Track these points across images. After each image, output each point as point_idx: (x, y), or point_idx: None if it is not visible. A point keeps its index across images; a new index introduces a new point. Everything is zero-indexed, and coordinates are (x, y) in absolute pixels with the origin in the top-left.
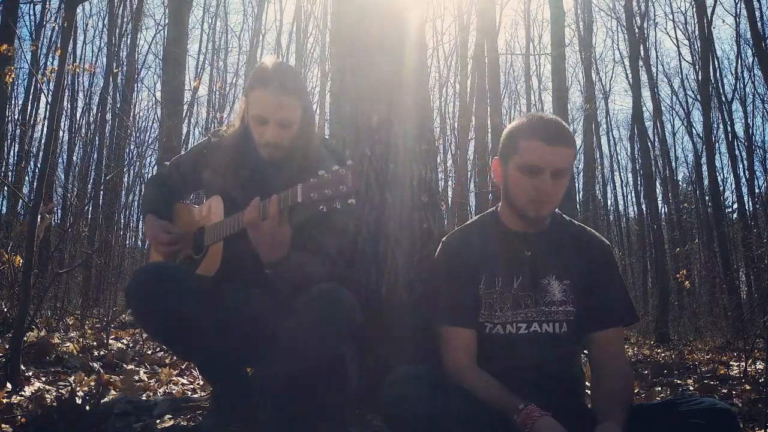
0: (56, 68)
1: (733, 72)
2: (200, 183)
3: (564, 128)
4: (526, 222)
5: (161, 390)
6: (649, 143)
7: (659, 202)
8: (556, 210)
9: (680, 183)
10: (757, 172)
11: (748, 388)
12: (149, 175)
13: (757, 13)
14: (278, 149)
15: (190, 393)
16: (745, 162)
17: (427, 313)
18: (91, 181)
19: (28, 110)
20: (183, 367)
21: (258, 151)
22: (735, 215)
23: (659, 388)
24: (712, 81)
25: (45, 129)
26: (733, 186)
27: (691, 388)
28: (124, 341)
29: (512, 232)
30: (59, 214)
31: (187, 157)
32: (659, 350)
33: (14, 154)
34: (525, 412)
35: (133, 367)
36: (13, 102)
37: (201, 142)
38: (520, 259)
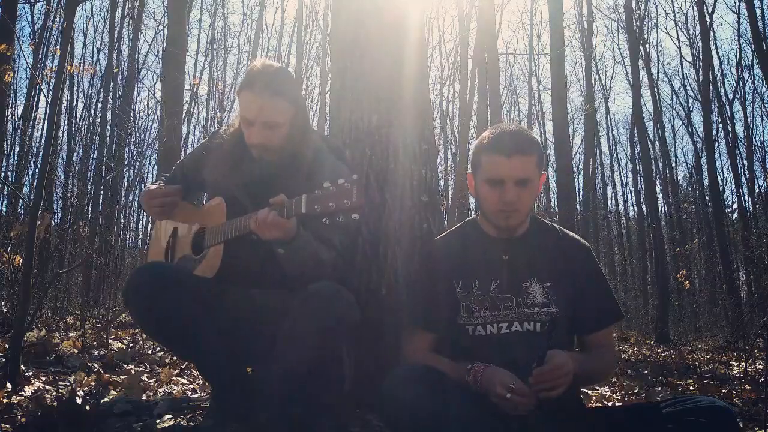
0: (56, 68)
1: (734, 72)
2: (204, 184)
3: (521, 138)
4: (500, 230)
5: (161, 390)
6: (649, 143)
7: (659, 202)
8: (538, 216)
9: (680, 183)
10: (757, 172)
11: (748, 388)
12: (149, 175)
13: (758, 12)
14: (267, 150)
15: (190, 393)
16: (745, 162)
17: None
18: (91, 181)
19: (29, 110)
20: (183, 367)
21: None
22: (735, 215)
23: (659, 388)
24: (713, 81)
25: (45, 129)
26: (733, 186)
27: (691, 388)
28: (124, 341)
29: (490, 237)
30: (59, 214)
31: (190, 158)
32: (659, 350)
33: (14, 154)
34: (473, 369)
35: (133, 367)
36: (13, 102)
37: (203, 142)
38: (498, 262)
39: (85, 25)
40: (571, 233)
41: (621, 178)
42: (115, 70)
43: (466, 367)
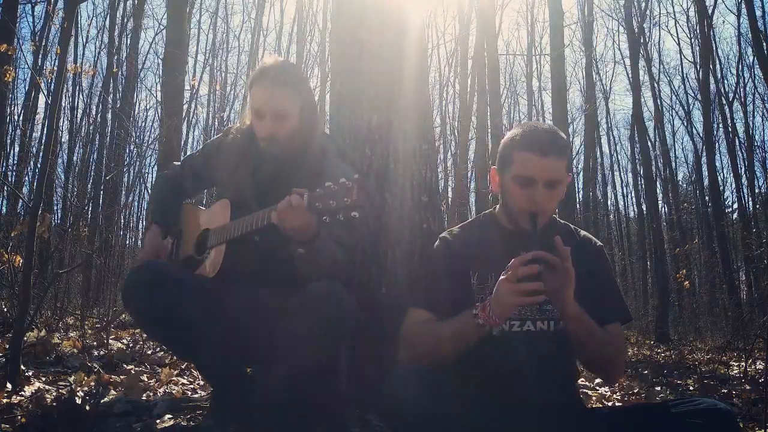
0: (56, 68)
1: (734, 71)
2: (213, 180)
3: (556, 139)
4: (520, 227)
5: (161, 390)
6: (649, 143)
7: (659, 202)
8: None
9: (680, 183)
10: (757, 172)
11: (748, 388)
12: (149, 175)
13: (758, 12)
14: (275, 143)
15: (190, 393)
16: (745, 162)
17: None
18: (91, 181)
19: (29, 110)
20: (183, 367)
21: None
22: (735, 215)
23: (659, 388)
24: (713, 80)
25: (45, 129)
26: (733, 186)
27: (691, 388)
28: (124, 341)
29: (509, 232)
30: (59, 214)
31: (200, 154)
32: (659, 350)
33: (14, 154)
34: (480, 306)
35: (133, 367)
36: (13, 102)
37: (214, 138)
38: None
39: (86, 26)
40: (584, 232)
41: (621, 178)
42: (114, 70)
43: (471, 311)
